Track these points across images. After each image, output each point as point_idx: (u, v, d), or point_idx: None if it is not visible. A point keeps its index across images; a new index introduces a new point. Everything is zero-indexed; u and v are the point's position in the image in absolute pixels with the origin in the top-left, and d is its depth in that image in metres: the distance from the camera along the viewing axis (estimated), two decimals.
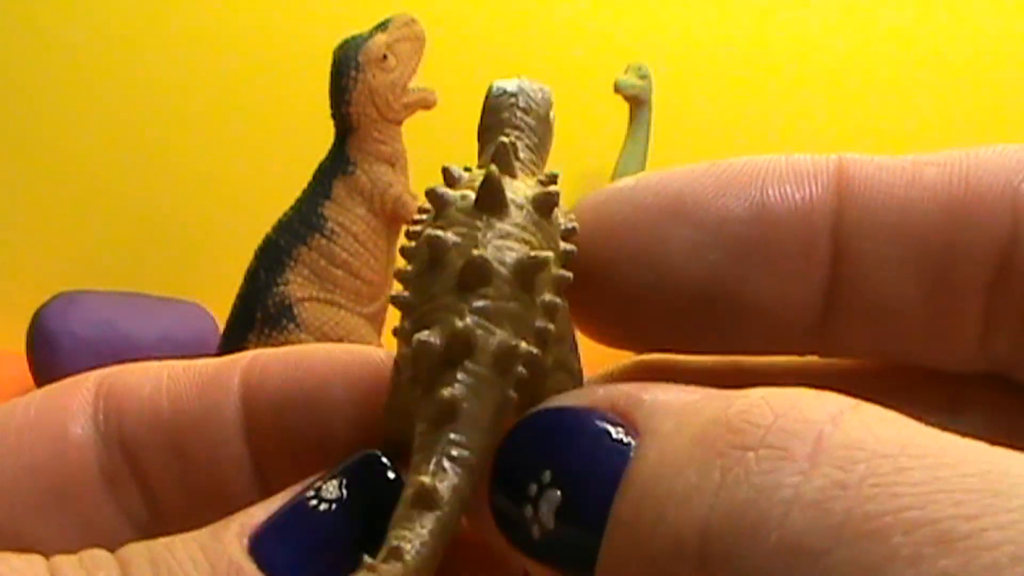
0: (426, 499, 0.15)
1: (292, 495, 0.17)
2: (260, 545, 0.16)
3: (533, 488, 0.15)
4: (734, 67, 1.02)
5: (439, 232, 0.16)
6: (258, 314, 0.68)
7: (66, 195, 1.12)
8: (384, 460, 0.17)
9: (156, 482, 0.20)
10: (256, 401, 0.20)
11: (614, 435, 0.14)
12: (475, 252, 0.16)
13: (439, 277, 0.16)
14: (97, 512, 0.20)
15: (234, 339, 0.69)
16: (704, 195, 0.17)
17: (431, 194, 0.17)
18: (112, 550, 0.16)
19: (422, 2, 0.82)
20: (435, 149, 0.93)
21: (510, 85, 0.20)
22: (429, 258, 0.16)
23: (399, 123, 0.71)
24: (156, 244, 1.12)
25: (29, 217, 1.12)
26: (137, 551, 0.16)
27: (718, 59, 1.02)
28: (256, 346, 0.68)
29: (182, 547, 0.16)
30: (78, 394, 0.20)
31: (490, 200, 0.17)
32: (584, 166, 1.07)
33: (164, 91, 1.10)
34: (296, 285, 0.69)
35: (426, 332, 0.16)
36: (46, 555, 0.16)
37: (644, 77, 0.89)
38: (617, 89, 0.88)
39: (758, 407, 0.13)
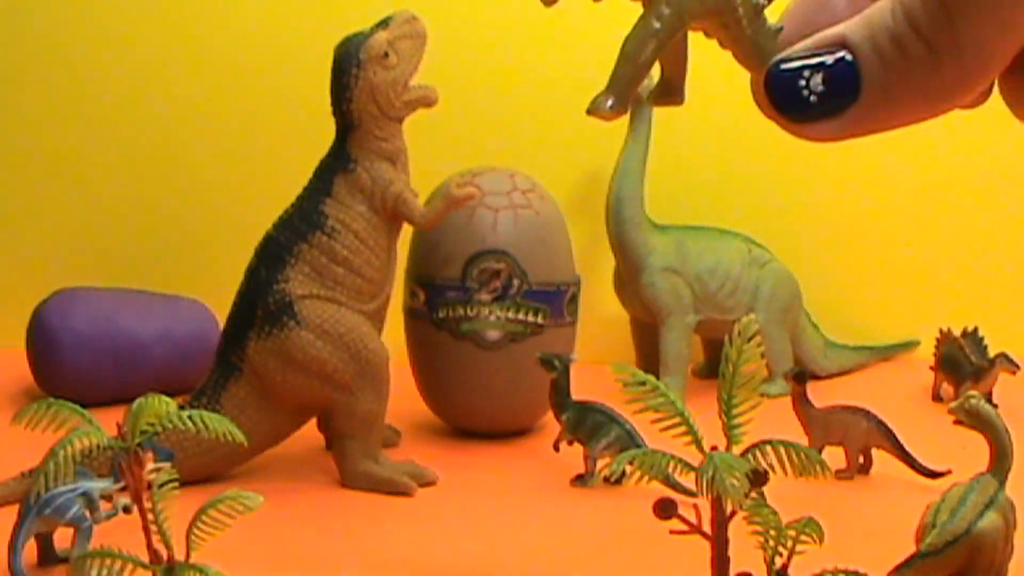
0: None
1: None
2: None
3: (804, 74, 0.23)
4: (734, 67, 1.02)
5: None
6: (259, 311, 0.68)
7: (66, 192, 1.12)
8: None
9: None
10: None
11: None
12: None
13: None
14: None
15: (234, 336, 0.69)
16: None
17: None
18: None
19: (423, 0, 0.82)
20: (435, 147, 0.94)
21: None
22: None
23: (400, 120, 0.71)
24: (156, 241, 1.12)
25: (29, 214, 1.13)
26: None
27: (718, 59, 1.02)
28: (256, 344, 0.68)
29: None
30: None
31: None
32: (584, 166, 1.07)
33: (165, 89, 1.10)
34: (296, 282, 0.69)
35: None
36: None
37: None
38: None
39: None
